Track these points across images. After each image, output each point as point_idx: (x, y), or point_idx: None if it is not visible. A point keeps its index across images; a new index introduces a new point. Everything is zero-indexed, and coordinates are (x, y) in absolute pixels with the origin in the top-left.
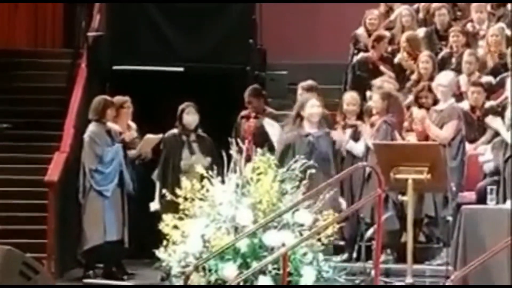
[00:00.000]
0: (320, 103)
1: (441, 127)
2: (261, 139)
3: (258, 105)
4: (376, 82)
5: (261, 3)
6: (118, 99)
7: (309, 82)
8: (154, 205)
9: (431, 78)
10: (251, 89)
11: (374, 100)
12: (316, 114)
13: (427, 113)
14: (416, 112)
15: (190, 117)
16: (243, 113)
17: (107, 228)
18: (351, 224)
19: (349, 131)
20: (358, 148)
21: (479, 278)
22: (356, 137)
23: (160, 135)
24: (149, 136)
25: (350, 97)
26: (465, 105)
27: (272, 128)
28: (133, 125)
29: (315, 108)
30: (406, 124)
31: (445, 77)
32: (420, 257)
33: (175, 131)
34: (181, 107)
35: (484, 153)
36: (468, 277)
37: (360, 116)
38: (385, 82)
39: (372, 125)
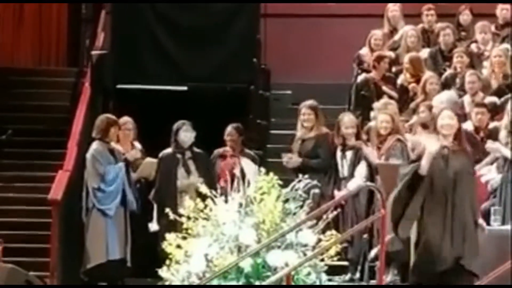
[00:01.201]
0: (453, 114)
1: None
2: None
3: (238, 142)
4: (378, 104)
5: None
6: (120, 120)
7: (311, 102)
8: (153, 226)
9: None
10: (236, 126)
11: (387, 120)
12: (446, 126)
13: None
14: (410, 138)
15: (186, 135)
16: (219, 151)
17: (110, 246)
18: (355, 244)
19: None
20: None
21: None
22: (357, 158)
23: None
24: (148, 159)
25: (348, 120)
26: (468, 126)
27: (249, 168)
28: (138, 145)
29: (446, 119)
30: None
31: (437, 97)
32: None
33: (169, 150)
34: (176, 125)
35: (487, 173)
36: None
37: (357, 136)
38: (388, 104)
39: (378, 147)
